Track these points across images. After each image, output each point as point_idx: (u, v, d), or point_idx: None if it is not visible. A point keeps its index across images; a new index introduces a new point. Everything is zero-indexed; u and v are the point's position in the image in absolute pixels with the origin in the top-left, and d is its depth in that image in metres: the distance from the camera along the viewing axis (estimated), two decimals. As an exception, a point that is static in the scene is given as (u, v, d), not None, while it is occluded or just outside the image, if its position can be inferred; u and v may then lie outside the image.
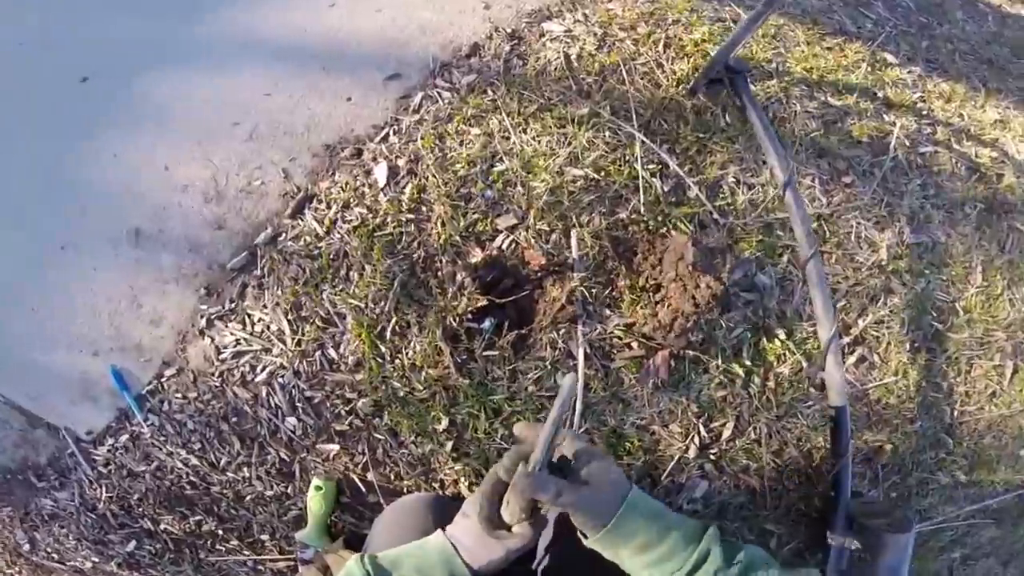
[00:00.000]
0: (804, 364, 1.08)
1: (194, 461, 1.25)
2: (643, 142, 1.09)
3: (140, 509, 1.29)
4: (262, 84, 1.20)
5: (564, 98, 1.14)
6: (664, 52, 1.22)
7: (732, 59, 1.07)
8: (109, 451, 1.27)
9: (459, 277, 1.07)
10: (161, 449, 1.25)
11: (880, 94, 1.28)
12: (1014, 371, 1.22)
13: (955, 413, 1.20)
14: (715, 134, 1.15)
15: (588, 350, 1.05)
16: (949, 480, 1.23)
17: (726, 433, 1.07)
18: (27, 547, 1.38)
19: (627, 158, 1.11)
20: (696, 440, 1.07)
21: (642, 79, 1.18)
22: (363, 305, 1.09)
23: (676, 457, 1.08)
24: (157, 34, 1.27)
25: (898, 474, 1.19)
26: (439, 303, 1.07)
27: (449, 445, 1.10)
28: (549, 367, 1.07)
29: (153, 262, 1.22)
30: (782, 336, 1.08)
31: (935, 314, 1.19)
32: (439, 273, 1.08)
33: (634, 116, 1.12)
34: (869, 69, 1.30)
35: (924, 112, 1.29)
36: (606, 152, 1.10)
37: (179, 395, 1.23)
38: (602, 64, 1.17)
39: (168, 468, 1.26)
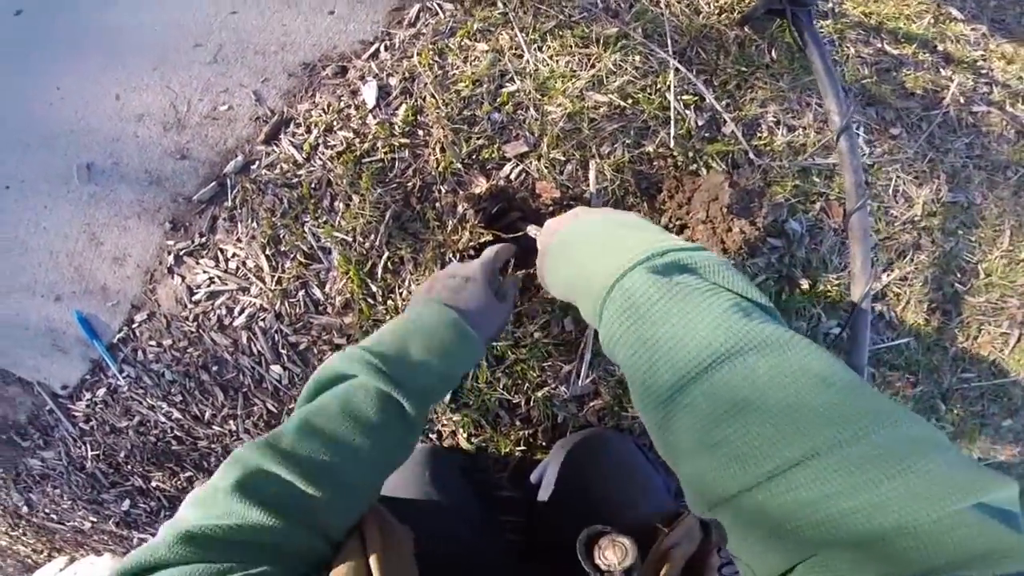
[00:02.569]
0: (823, 318, 0.90)
1: (176, 415, 1.05)
2: (677, 70, 0.85)
3: (129, 467, 1.11)
4: (227, 1, 0.92)
5: (589, 15, 0.89)
6: (704, -25, 0.97)
7: None
8: (88, 406, 1.08)
9: (460, 208, 0.85)
10: (141, 403, 1.05)
11: (940, 48, 1.08)
12: (1018, 339, 1.07)
13: (954, 379, 1.06)
14: (758, 69, 0.94)
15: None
16: None
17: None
18: (25, 509, 1.21)
19: (658, 87, 0.88)
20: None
21: (679, 2, 0.94)
22: (350, 239, 0.87)
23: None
24: None
25: None
26: (437, 237, 0.85)
27: (448, 395, 0.90)
28: (557, 311, 0.87)
29: (110, 197, 0.98)
30: (805, 286, 0.90)
31: (958, 275, 1.03)
32: (437, 204, 0.85)
33: (669, 42, 0.88)
34: (932, 21, 1.09)
35: (983, 71, 1.09)
36: (635, 78, 0.87)
37: (153, 343, 1.01)
38: (631, -20, 0.92)
39: (151, 423, 1.07)
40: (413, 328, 0.52)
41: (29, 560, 1.25)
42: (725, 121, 0.86)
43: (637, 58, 0.86)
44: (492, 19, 0.87)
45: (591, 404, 0.92)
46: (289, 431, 0.44)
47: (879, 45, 1.00)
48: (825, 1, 1.01)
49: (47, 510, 1.15)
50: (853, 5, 1.02)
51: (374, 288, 0.89)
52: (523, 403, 0.91)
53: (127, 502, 1.11)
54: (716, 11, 0.92)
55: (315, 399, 0.48)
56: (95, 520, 1.13)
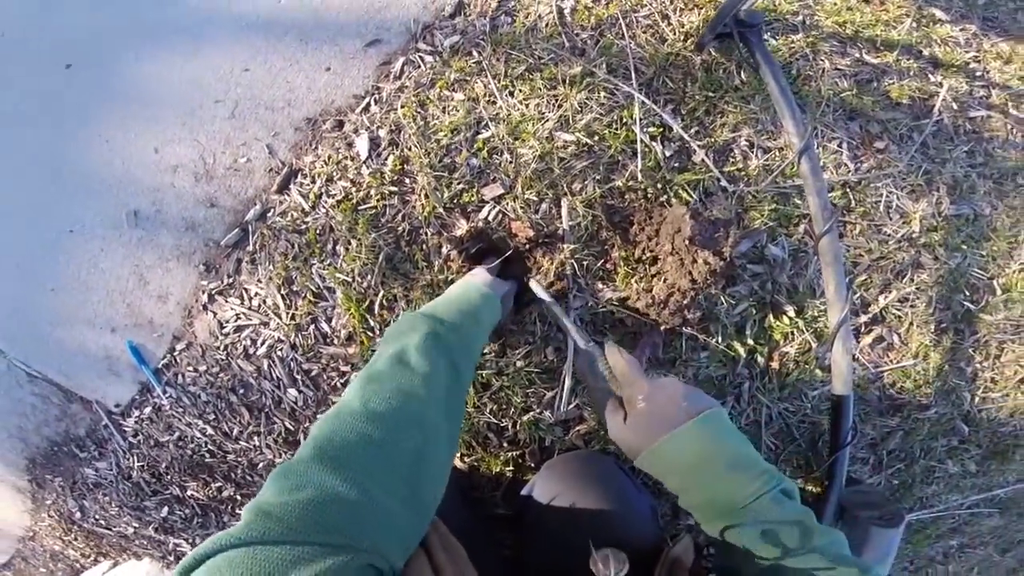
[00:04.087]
0: (813, 344, 0.91)
1: (210, 431, 1.20)
2: (643, 102, 0.90)
3: (168, 477, 1.27)
4: (240, 59, 1.07)
5: (556, 57, 0.95)
6: (671, 2, 1.00)
7: (744, 11, 0.85)
8: (136, 422, 1.25)
9: (444, 250, 0.93)
10: (180, 420, 1.21)
11: (926, 52, 1.03)
12: (1048, 357, 1.01)
13: (976, 400, 1.01)
14: (727, 93, 0.95)
15: (579, 324, 0.91)
16: (958, 469, 1.06)
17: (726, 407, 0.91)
18: (78, 515, 1.39)
19: (624, 120, 0.93)
20: (690, 418, 0.92)
21: (644, 33, 0.98)
22: (350, 279, 0.98)
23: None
24: (131, 16, 1.15)
25: (904, 461, 1.03)
26: (425, 276, 0.95)
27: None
28: (539, 342, 0.94)
29: (154, 241, 1.14)
30: (791, 313, 0.91)
31: (967, 292, 0.99)
32: (424, 246, 0.94)
33: (633, 75, 0.93)
34: (914, 25, 1.04)
35: (978, 73, 1.04)
36: (600, 115, 0.92)
37: (191, 368, 1.17)
38: (599, 17, 0.98)
39: (188, 438, 1.22)
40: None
41: (78, 564, 1.44)
42: (694, 150, 0.89)
43: (602, 94, 0.91)
44: (467, 68, 0.95)
45: (576, 428, 0.98)
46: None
47: (856, 55, 0.98)
48: (794, 15, 1.00)
49: (97, 516, 1.34)
50: (825, 15, 1.00)
51: (372, 323, 0.99)
52: (510, 426, 0.98)
53: (166, 509, 1.28)
54: (681, 38, 0.95)
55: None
56: (137, 526, 1.30)
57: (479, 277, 0.81)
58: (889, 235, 0.95)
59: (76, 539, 1.41)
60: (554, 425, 0.97)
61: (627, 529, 0.78)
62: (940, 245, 0.96)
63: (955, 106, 0.99)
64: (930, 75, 1.00)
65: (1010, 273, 1.00)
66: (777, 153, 0.92)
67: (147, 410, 1.23)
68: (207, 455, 1.23)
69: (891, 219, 0.95)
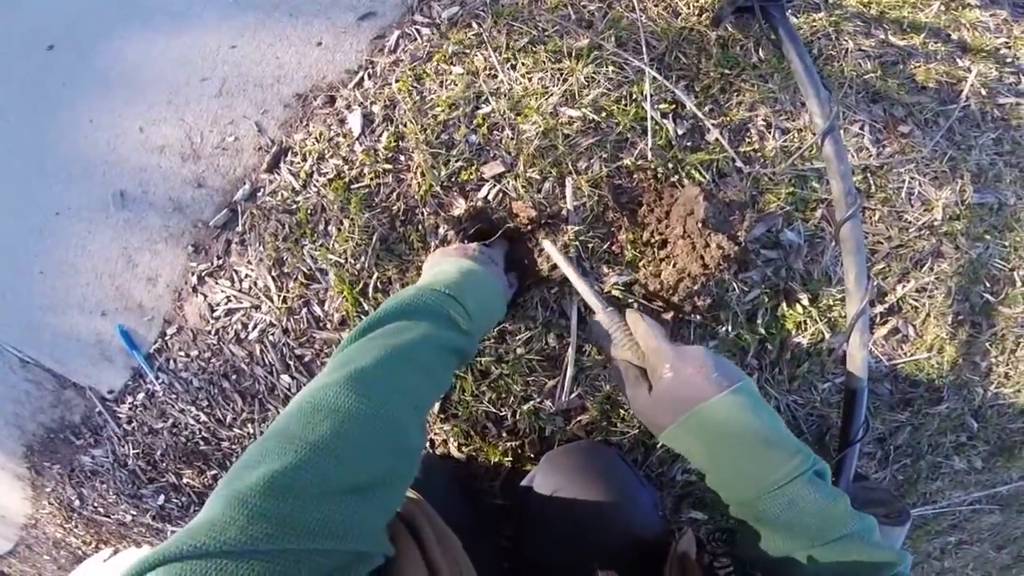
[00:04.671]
0: (827, 335, 0.87)
1: (203, 418, 1.18)
2: (654, 78, 0.85)
3: (164, 464, 1.26)
4: (227, 36, 1.02)
5: (561, 29, 0.90)
6: (684, -27, 0.95)
7: None
8: (130, 409, 1.22)
9: (442, 230, 0.89)
10: (173, 406, 1.19)
11: (955, 36, 0.98)
12: (1064, 353, 0.97)
13: (987, 395, 0.98)
14: (744, 71, 0.90)
15: (582, 310, 0.87)
16: (964, 465, 1.03)
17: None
18: (77, 503, 1.38)
19: (634, 96, 0.88)
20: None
21: (656, 6, 0.93)
22: (343, 261, 0.94)
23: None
24: None
25: (910, 456, 1.00)
26: (421, 258, 0.91)
27: (437, 406, 0.96)
28: (540, 328, 0.90)
29: (141, 223, 1.10)
30: (805, 301, 0.87)
31: (988, 284, 0.95)
32: (420, 226, 0.90)
33: (644, 49, 0.88)
34: (943, 8, 1.00)
35: (1008, 59, 0.99)
36: (608, 90, 0.87)
37: (182, 353, 1.14)
38: (608, -14, 0.92)
39: (182, 425, 1.20)
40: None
41: (80, 551, 1.43)
42: (708, 128, 0.85)
43: (611, 68, 0.86)
44: (467, 41, 0.90)
45: (578, 418, 0.94)
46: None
47: (882, 36, 0.92)
48: None
49: (95, 504, 1.33)
50: None
51: (366, 306, 0.96)
52: (509, 416, 0.95)
53: (162, 497, 1.26)
54: (696, 11, 0.89)
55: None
56: (135, 513, 1.29)
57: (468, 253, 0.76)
58: (910, 222, 0.91)
59: (77, 527, 1.40)
60: (555, 415, 0.94)
61: (629, 523, 0.76)
62: (962, 234, 0.92)
63: (983, 92, 0.94)
64: (958, 59, 0.96)
65: (1032, 264, 0.96)
66: (796, 134, 0.88)
67: (140, 396, 1.20)
68: (201, 442, 1.21)
69: (912, 206, 0.91)
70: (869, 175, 0.90)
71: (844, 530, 0.49)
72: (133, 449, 1.24)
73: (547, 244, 0.82)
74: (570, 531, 0.76)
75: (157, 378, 1.16)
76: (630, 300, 0.86)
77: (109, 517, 1.36)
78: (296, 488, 0.37)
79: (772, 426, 0.53)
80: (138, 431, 1.24)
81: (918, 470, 1.03)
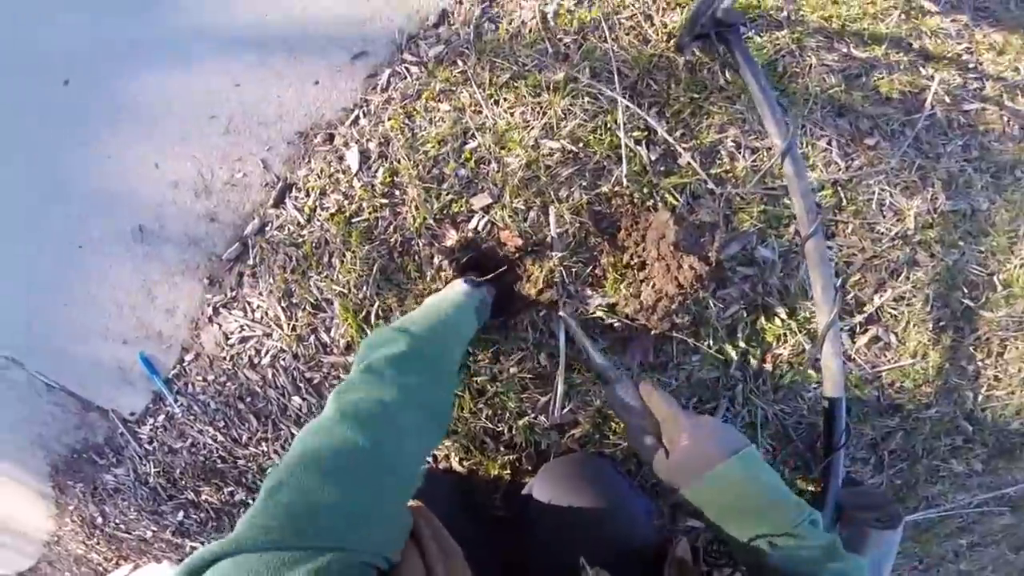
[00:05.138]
0: (806, 346, 0.91)
1: (220, 437, 1.25)
2: (626, 107, 0.90)
3: (183, 482, 1.33)
4: (231, 74, 1.10)
5: (539, 63, 0.96)
6: (654, 2, 1.00)
7: (722, 10, 0.84)
8: (151, 430, 1.30)
9: (436, 260, 0.95)
10: (192, 427, 1.26)
11: (916, 45, 1.01)
12: (1053, 353, 0.99)
13: (979, 398, 1.00)
14: (712, 94, 0.95)
15: (585, 330, 0.92)
16: (963, 468, 1.05)
17: (718, 416, 0.92)
18: (100, 519, 1.46)
19: (608, 125, 0.93)
20: (684, 422, 0.93)
21: (627, 35, 0.98)
22: (346, 291, 1.01)
23: (664, 439, 0.95)
24: (122, 33, 1.18)
25: (906, 461, 1.03)
26: (418, 287, 0.97)
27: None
28: (531, 348, 0.96)
29: (159, 256, 1.18)
30: (783, 315, 0.91)
31: (966, 289, 0.98)
32: (417, 257, 0.97)
33: (616, 78, 0.93)
34: (903, 17, 1.02)
35: (970, 65, 1.02)
36: (584, 121, 0.93)
37: (200, 378, 1.22)
38: (582, 21, 0.98)
39: (201, 444, 1.27)
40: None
41: (101, 568, 1.51)
42: (680, 152, 0.90)
43: (586, 100, 0.92)
44: (452, 79, 0.96)
45: (571, 432, 1.00)
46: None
47: (844, 50, 0.96)
48: (779, 11, 0.98)
49: (117, 520, 1.40)
50: (811, 10, 0.99)
51: (369, 333, 1.02)
52: (506, 431, 1.00)
53: (181, 513, 1.34)
54: (664, 38, 0.95)
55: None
56: (155, 529, 1.37)
57: (456, 288, 0.84)
58: (883, 233, 0.94)
59: (98, 543, 1.48)
60: (549, 429, 0.99)
61: (624, 529, 0.80)
62: (936, 242, 0.95)
63: (948, 99, 0.97)
64: (921, 68, 0.99)
65: (1011, 268, 0.99)
66: (764, 153, 0.92)
67: (160, 418, 1.28)
68: (219, 460, 1.28)
69: (884, 217, 0.94)
70: (839, 188, 0.94)
71: (838, 568, 0.56)
72: (154, 468, 1.32)
73: (565, 316, 0.88)
74: (566, 538, 0.80)
75: (176, 401, 1.24)
76: (613, 321, 0.92)
77: (130, 533, 1.44)
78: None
79: (775, 484, 0.61)
80: (158, 451, 1.32)
81: (915, 474, 1.06)
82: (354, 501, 0.47)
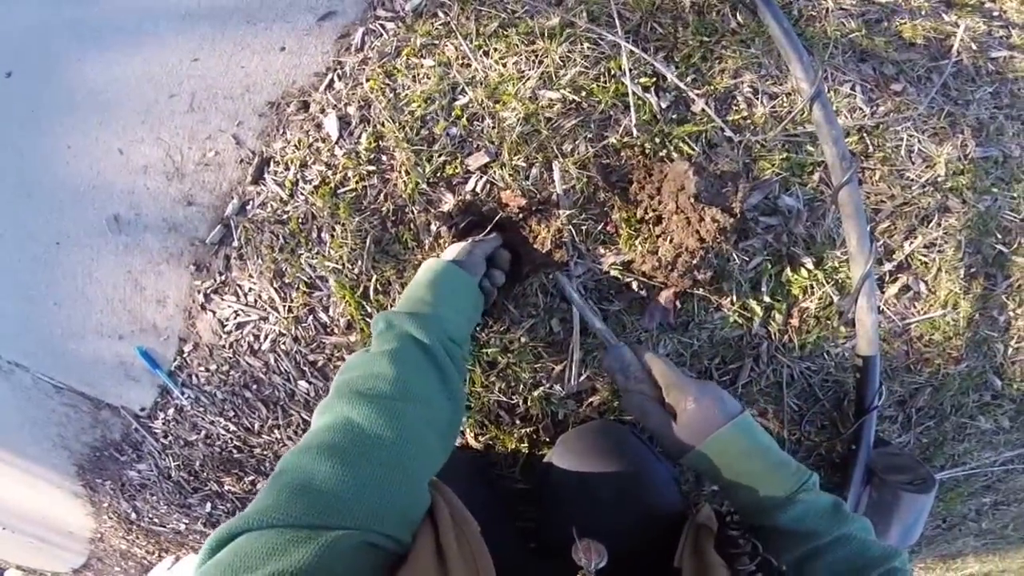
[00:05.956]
0: (835, 297, 0.85)
1: (232, 427, 1.23)
2: (631, 51, 0.81)
3: (204, 474, 1.33)
4: (186, 49, 1.00)
5: (530, 9, 0.86)
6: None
7: None
8: (164, 424, 1.29)
9: (434, 227, 0.89)
10: (203, 419, 1.24)
11: None
12: (1089, 302, 0.94)
13: (1009, 351, 0.96)
14: (724, 37, 0.86)
15: (583, 293, 0.87)
16: (991, 425, 1.02)
17: (742, 377, 0.88)
18: (134, 515, 1.48)
19: (613, 72, 0.84)
20: (708, 384, 0.90)
21: (627, -30, 0.87)
22: (340, 267, 0.95)
23: (686, 401, 0.91)
24: (60, 17, 1.07)
25: (933, 418, 1.00)
26: (417, 256, 0.91)
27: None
28: (542, 314, 0.91)
29: (140, 246, 1.12)
30: (809, 265, 0.85)
31: (999, 235, 0.92)
32: (412, 225, 0.91)
33: (618, 21, 0.83)
34: None
35: (995, 13, 0.94)
36: (586, 68, 0.84)
37: (202, 368, 1.19)
38: (575, -45, 0.86)
39: (214, 435, 1.26)
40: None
41: (145, 561, 1.54)
42: (693, 99, 0.81)
43: (586, 46, 0.82)
44: (434, 32, 0.87)
45: (589, 400, 0.96)
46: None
47: None
48: None
49: (150, 515, 1.41)
50: None
51: (369, 309, 0.97)
52: (521, 403, 0.97)
53: (208, 505, 1.34)
54: (671, -23, 0.84)
55: None
56: (187, 522, 1.38)
57: (445, 259, 0.78)
58: (912, 180, 0.87)
59: (138, 538, 1.50)
60: (566, 398, 0.96)
61: (646, 496, 0.78)
62: (968, 188, 0.89)
63: (974, 47, 0.90)
64: (943, 15, 0.91)
65: (1045, 214, 0.92)
66: (785, 98, 0.84)
67: (170, 411, 1.26)
68: (235, 450, 1.27)
69: (913, 163, 0.87)
70: (865, 135, 0.86)
71: (842, 529, 0.57)
72: (173, 461, 1.31)
73: (562, 279, 0.84)
74: (587, 507, 0.78)
75: (183, 393, 1.22)
76: (629, 280, 0.86)
77: (164, 527, 1.46)
78: None
79: (775, 448, 0.63)
80: (175, 444, 1.30)
81: (943, 432, 1.03)
82: (357, 479, 0.47)
